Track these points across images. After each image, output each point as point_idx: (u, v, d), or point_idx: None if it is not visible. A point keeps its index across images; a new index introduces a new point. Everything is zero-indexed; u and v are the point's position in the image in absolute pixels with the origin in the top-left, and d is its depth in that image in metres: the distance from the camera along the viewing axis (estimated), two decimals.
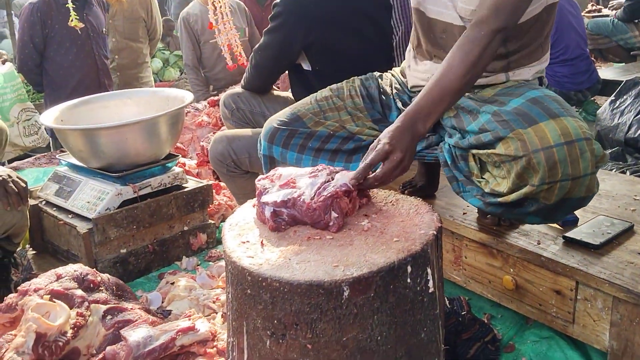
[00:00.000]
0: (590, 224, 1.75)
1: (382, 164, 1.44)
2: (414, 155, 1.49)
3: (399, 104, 1.85)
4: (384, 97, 1.88)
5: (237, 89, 2.85)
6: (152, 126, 2.36)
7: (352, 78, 1.94)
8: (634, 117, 3.08)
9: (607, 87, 4.09)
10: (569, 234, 1.69)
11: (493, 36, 1.48)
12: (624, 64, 5.33)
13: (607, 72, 4.77)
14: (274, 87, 2.84)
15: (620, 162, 2.86)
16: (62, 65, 3.99)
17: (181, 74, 7.23)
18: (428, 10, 1.72)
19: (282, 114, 1.89)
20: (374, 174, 1.43)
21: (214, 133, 3.72)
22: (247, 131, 2.57)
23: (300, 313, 1.19)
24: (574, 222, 1.78)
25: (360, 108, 1.87)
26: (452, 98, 1.51)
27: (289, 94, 2.81)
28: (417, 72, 1.81)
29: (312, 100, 1.91)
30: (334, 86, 1.93)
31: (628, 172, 2.65)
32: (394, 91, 1.89)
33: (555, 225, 1.78)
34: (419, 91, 1.82)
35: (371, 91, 1.89)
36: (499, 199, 1.52)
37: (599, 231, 1.70)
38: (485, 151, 1.53)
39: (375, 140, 1.47)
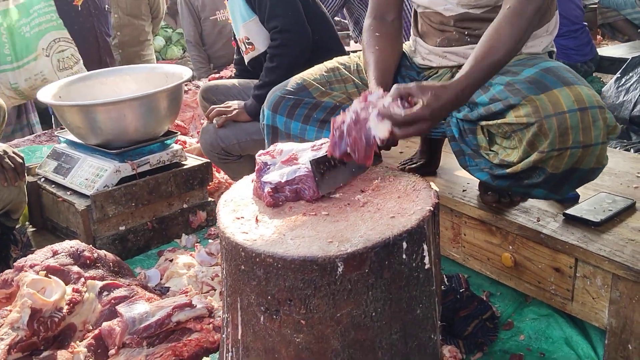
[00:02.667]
0: (591, 201, 1.73)
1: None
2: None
3: (407, 80, 1.82)
4: None
5: (213, 81, 2.84)
6: (151, 102, 2.33)
7: (358, 53, 1.91)
8: (639, 95, 3.04)
9: (613, 65, 4.04)
10: (569, 211, 1.67)
11: (537, 11, 1.45)
12: (631, 41, 5.26)
13: (612, 49, 4.71)
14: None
15: (625, 140, 2.82)
16: None
17: (184, 52, 7.18)
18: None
19: (287, 83, 1.84)
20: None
21: None
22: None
23: (294, 289, 1.18)
24: (574, 199, 1.76)
25: (367, 83, 1.83)
26: (496, 71, 1.46)
27: None
28: (421, 48, 1.79)
29: (317, 71, 1.86)
30: (340, 59, 1.90)
31: (632, 150, 2.62)
32: (401, 68, 1.85)
33: (555, 202, 1.76)
34: (429, 71, 1.80)
35: None
36: (508, 170, 1.50)
37: (600, 208, 1.68)
38: (495, 122, 1.50)
39: (415, 86, 1.34)
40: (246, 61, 2.64)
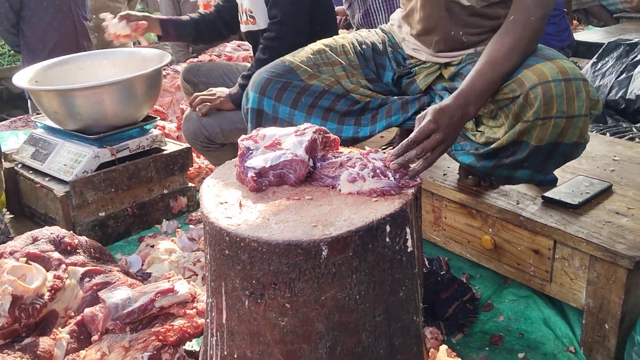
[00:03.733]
0: (569, 184, 1.76)
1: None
2: (457, 136, 1.41)
3: (394, 64, 1.82)
4: (377, 56, 1.84)
5: (195, 62, 2.78)
6: (130, 87, 2.31)
7: (342, 34, 1.90)
8: (615, 79, 3.08)
9: (589, 50, 4.09)
10: (548, 194, 1.70)
11: (541, 19, 1.48)
12: (606, 26, 5.32)
13: (588, 34, 4.76)
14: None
15: (601, 124, 2.86)
16: (39, 26, 3.88)
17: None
18: None
19: (273, 65, 1.79)
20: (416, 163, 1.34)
21: None
22: None
23: (279, 273, 1.18)
24: (553, 182, 1.79)
25: (355, 65, 1.82)
26: (502, 81, 1.47)
27: (248, 64, 2.75)
28: (409, 42, 1.79)
29: (304, 53, 1.82)
30: (325, 40, 1.87)
31: (608, 134, 2.66)
32: (388, 49, 1.85)
33: (534, 185, 1.79)
34: (416, 60, 1.80)
35: (364, 49, 1.85)
36: (493, 145, 1.51)
37: (577, 191, 1.71)
38: None
39: (421, 113, 1.38)
40: (242, 30, 2.56)
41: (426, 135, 1.33)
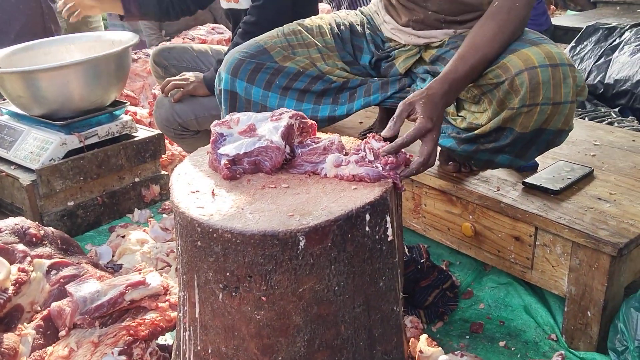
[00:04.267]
0: (550, 169, 1.73)
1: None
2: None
3: (372, 47, 1.76)
4: (355, 38, 1.78)
5: (167, 44, 2.67)
6: (96, 67, 2.21)
7: (319, 15, 1.84)
8: (593, 64, 3.07)
9: (567, 35, 4.08)
10: (529, 180, 1.67)
11: (526, 6, 1.44)
12: (583, 11, 5.32)
13: (565, 18, 4.75)
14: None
15: (580, 109, 2.85)
16: (4, 9, 3.73)
17: None
18: None
19: (246, 46, 1.73)
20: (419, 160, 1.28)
21: None
22: None
23: (254, 265, 1.13)
24: (533, 168, 1.76)
25: (331, 47, 1.76)
26: (484, 67, 1.42)
27: (222, 47, 2.67)
28: (390, 25, 1.73)
29: (278, 34, 1.75)
30: (300, 21, 1.80)
31: (587, 118, 2.65)
32: (366, 31, 1.79)
33: (514, 171, 1.76)
34: (395, 44, 1.74)
35: (342, 30, 1.78)
36: (477, 131, 1.47)
37: (558, 177, 1.68)
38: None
39: (404, 104, 1.33)
40: (223, 7, 2.45)
41: (423, 133, 1.29)
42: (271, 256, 1.12)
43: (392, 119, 1.31)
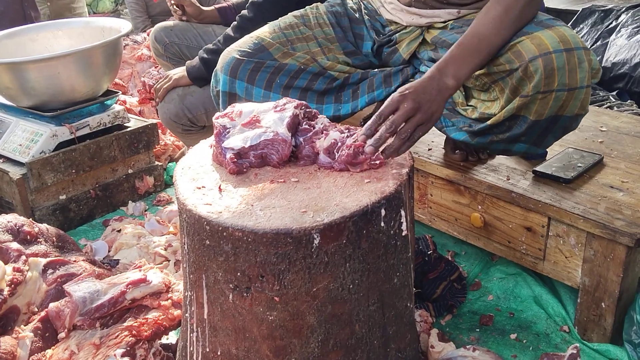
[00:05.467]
0: (559, 157, 1.69)
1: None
2: (441, 111, 1.30)
3: (372, 33, 1.70)
4: (355, 26, 1.72)
5: (169, 21, 2.59)
6: (87, 58, 2.14)
7: (314, 4, 1.77)
8: (590, 47, 3.03)
9: (563, 17, 4.03)
10: (539, 168, 1.63)
11: None
12: None
13: (559, 0, 4.70)
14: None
15: None
16: None
17: (116, 6, 6.78)
18: None
19: (243, 44, 1.66)
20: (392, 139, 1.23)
21: (155, 67, 3.49)
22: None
23: (266, 264, 1.08)
24: (542, 156, 1.72)
25: (331, 38, 1.70)
26: (488, 53, 1.36)
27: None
28: (391, 5, 1.67)
29: (275, 29, 1.69)
30: (296, 13, 1.74)
31: None
32: (365, 17, 1.73)
33: (523, 159, 1.72)
34: (396, 26, 1.68)
35: (340, 19, 1.72)
36: (489, 121, 1.42)
37: (569, 164, 1.64)
38: (473, 74, 1.42)
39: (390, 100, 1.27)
40: None
41: (393, 108, 1.24)
42: (284, 255, 1.07)
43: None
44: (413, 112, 1.24)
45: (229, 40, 2.09)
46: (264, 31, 1.69)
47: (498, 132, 1.43)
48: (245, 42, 1.66)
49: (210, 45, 2.17)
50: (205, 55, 2.15)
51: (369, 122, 1.23)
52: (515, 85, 1.35)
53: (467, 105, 1.49)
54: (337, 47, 1.69)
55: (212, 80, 1.69)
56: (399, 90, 1.27)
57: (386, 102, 1.25)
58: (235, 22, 2.15)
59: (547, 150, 1.72)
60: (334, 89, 1.67)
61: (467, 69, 1.35)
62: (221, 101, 1.66)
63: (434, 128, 1.59)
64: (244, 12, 2.15)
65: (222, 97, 1.65)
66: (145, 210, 2.29)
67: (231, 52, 1.65)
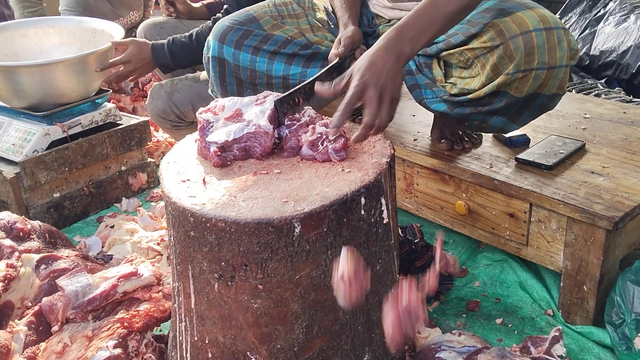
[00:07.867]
0: (542, 144, 1.72)
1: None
2: (402, 79, 1.28)
3: (364, 20, 1.74)
4: None
5: (157, 18, 2.60)
6: (81, 65, 2.14)
7: None
8: (579, 35, 3.05)
9: (551, 6, 4.05)
10: (522, 156, 1.66)
11: None
12: None
13: None
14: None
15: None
16: None
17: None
18: None
19: (236, 14, 1.72)
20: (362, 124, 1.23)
21: None
22: (185, 78, 2.35)
23: (250, 253, 1.11)
24: (525, 144, 1.75)
25: (322, 21, 1.76)
26: (445, 22, 1.33)
27: None
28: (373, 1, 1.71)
29: (269, 4, 1.75)
30: None
31: (574, 91, 2.64)
32: (360, 7, 1.76)
33: (506, 147, 1.75)
34: (381, 20, 1.71)
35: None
36: (470, 96, 1.45)
37: (551, 151, 1.67)
38: (457, 49, 1.45)
39: (350, 68, 1.27)
40: None
41: (357, 98, 1.23)
42: (266, 244, 1.10)
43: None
44: (379, 100, 1.22)
45: (200, 38, 2.13)
46: (258, 5, 1.75)
47: (477, 104, 1.46)
48: (239, 13, 1.73)
49: (180, 36, 2.21)
50: (172, 46, 2.20)
51: (339, 114, 1.23)
52: (495, 62, 1.38)
53: (446, 82, 1.52)
54: (326, 30, 1.74)
55: (204, 48, 1.74)
56: (357, 70, 1.24)
57: (349, 93, 1.22)
58: (211, 22, 2.18)
59: (530, 137, 1.75)
60: (321, 54, 1.71)
61: (425, 39, 1.32)
62: (211, 66, 1.71)
63: (415, 103, 1.64)
64: (221, 13, 2.19)
65: (212, 62, 1.70)
66: (139, 207, 2.32)
67: (224, 20, 1.70)
